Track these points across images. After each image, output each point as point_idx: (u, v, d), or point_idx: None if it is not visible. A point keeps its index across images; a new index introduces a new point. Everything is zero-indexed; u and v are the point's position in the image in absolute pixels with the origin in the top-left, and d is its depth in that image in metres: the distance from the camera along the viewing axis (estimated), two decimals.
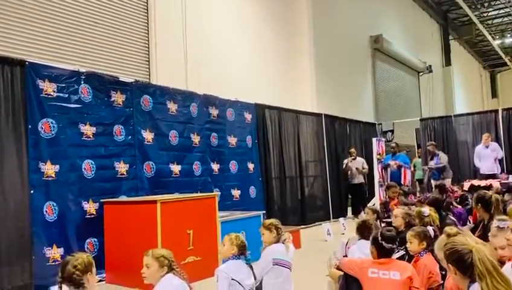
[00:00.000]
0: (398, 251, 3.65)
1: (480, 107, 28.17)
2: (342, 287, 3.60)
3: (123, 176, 6.31)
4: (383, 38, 16.88)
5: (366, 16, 16.53)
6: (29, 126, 5.29)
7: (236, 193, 8.16)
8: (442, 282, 3.40)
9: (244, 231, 5.22)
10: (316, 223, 10.03)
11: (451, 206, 6.32)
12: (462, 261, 2.33)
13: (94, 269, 2.81)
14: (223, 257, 3.64)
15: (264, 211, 7.57)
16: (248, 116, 8.70)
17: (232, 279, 3.42)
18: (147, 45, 8.56)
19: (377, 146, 10.49)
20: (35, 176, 5.27)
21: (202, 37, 9.41)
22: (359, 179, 11.06)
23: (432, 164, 10.35)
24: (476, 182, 9.38)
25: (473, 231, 4.72)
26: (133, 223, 5.35)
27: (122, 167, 6.30)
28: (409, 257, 3.86)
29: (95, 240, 5.78)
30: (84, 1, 7.54)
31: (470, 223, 5.99)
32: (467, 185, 9.30)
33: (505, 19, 24.41)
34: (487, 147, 10.23)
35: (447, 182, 9.65)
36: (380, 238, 3.33)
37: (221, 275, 3.42)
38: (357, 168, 10.98)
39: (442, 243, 3.38)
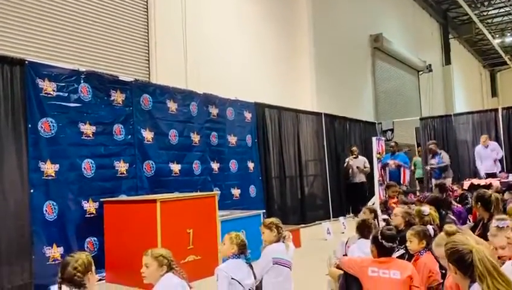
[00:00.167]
0: (398, 250, 3.65)
1: (480, 106, 28.15)
2: (342, 286, 3.61)
3: (123, 175, 6.31)
4: (382, 37, 16.87)
5: (366, 15, 16.52)
6: (29, 125, 5.29)
7: (236, 192, 8.16)
8: (442, 281, 3.40)
9: (244, 230, 5.21)
10: (316, 222, 10.03)
11: (451, 205, 6.32)
12: (462, 261, 2.34)
13: (94, 268, 2.81)
14: (223, 255, 3.65)
15: (264, 210, 7.57)
16: (248, 115, 8.70)
17: (232, 278, 3.42)
18: (146, 44, 8.55)
19: (377, 145, 10.48)
20: (35, 175, 5.27)
21: (202, 36, 9.40)
22: (360, 178, 11.05)
23: (434, 162, 10.34)
24: (475, 181, 9.38)
25: (472, 230, 4.72)
26: (132, 223, 5.35)
27: (122, 166, 6.29)
28: (409, 256, 3.86)
29: (95, 239, 5.78)
30: (84, 0, 7.53)
31: (469, 222, 5.99)
32: (466, 184, 9.30)
33: (505, 17, 24.40)
34: (487, 147, 10.23)
35: (448, 181, 9.64)
36: (380, 237, 3.34)
37: (221, 274, 3.42)
38: (357, 167, 10.98)
39: (440, 240, 3.38)
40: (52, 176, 5.44)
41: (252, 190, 8.52)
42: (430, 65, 21.84)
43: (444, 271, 3.42)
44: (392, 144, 10.75)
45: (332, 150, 11.46)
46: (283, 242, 3.96)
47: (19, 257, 5.02)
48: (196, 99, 7.60)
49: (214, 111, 7.93)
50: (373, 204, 9.93)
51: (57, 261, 5.20)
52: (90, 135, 5.95)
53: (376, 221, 5.47)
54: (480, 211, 4.91)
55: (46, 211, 5.33)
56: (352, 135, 12.57)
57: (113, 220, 5.60)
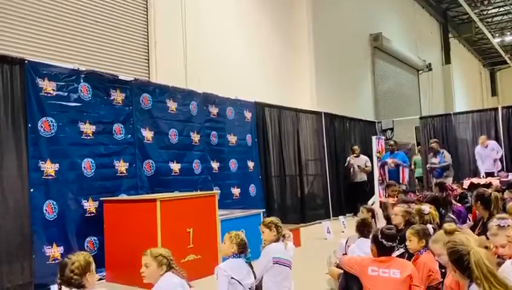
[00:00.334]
0: (398, 249, 3.66)
1: (479, 105, 28.15)
2: (342, 286, 3.61)
3: (123, 174, 6.31)
4: (382, 36, 16.87)
5: (365, 14, 16.51)
6: (29, 125, 5.29)
7: (236, 191, 8.16)
8: (442, 280, 3.41)
9: (244, 229, 5.20)
10: (316, 221, 10.03)
11: (451, 204, 6.32)
12: (461, 262, 2.36)
13: (93, 267, 2.81)
14: (223, 255, 3.66)
15: (264, 210, 7.57)
16: (248, 115, 8.70)
17: (232, 278, 3.42)
18: (146, 44, 8.54)
19: (377, 144, 10.48)
20: (35, 174, 5.27)
21: (202, 35, 9.39)
22: (361, 177, 11.04)
23: (435, 161, 10.32)
24: (475, 180, 9.39)
25: (472, 229, 4.73)
26: (132, 222, 5.35)
27: (122, 166, 6.30)
28: (409, 255, 3.86)
29: (95, 238, 5.79)
30: (84, 0, 7.52)
31: (469, 221, 5.99)
32: (466, 183, 9.30)
33: (505, 16, 24.39)
34: (486, 147, 10.23)
35: (449, 180, 9.63)
36: (380, 236, 3.34)
37: (221, 273, 3.43)
38: (358, 166, 10.97)
39: (437, 236, 3.40)
40: (52, 176, 5.44)
41: (252, 189, 8.53)
42: (429, 64, 21.84)
43: (443, 270, 3.43)
44: (391, 142, 10.73)
45: (332, 149, 11.46)
46: (282, 241, 3.97)
47: (19, 257, 5.02)
48: (196, 98, 7.60)
49: (213, 110, 7.93)
50: (373, 203, 9.94)
51: (57, 261, 5.20)
52: (90, 135, 5.95)
53: (374, 220, 5.48)
54: (480, 210, 4.92)
55: (46, 210, 5.33)
56: (352, 134, 12.57)
57: (113, 220, 5.60)
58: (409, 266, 3.28)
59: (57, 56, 6.88)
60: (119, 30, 8.07)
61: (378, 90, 17.25)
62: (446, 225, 3.63)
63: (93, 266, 2.81)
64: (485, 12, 23.59)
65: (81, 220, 5.69)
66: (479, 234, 4.39)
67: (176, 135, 7.15)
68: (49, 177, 5.41)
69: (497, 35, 26.12)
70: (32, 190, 5.22)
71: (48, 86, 5.52)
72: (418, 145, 13.07)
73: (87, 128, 5.91)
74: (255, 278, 3.61)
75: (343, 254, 4.48)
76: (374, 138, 10.57)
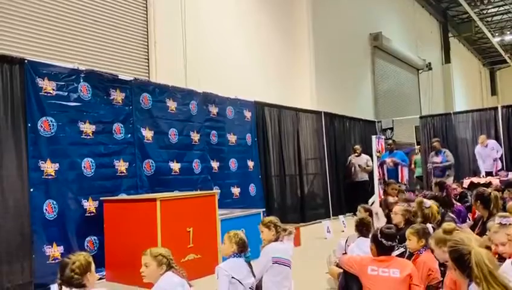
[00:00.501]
0: (398, 249, 3.66)
1: (479, 104, 28.16)
2: (342, 285, 3.62)
3: (123, 174, 6.31)
4: (382, 35, 16.86)
5: (365, 14, 16.51)
6: (29, 125, 5.29)
7: (236, 190, 8.17)
8: (441, 279, 3.41)
9: (244, 229, 5.20)
10: (316, 221, 10.03)
11: (452, 203, 6.33)
12: (461, 261, 2.36)
13: (93, 267, 2.82)
14: (224, 255, 3.66)
15: (264, 209, 7.57)
16: (248, 114, 8.70)
17: (233, 277, 3.43)
18: (146, 43, 8.54)
19: (377, 144, 10.47)
20: (35, 174, 5.27)
21: (201, 35, 9.39)
22: (362, 177, 11.03)
23: (438, 160, 10.30)
24: (475, 180, 9.39)
25: (472, 228, 4.74)
26: (132, 221, 5.35)
27: (121, 165, 6.30)
28: (409, 254, 3.87)
29: (95, 238, 5.79)
30: (83, 0, 7.54)
31: (469, 220, 6.00)
32: (466, 182, 9.31)
33: (505, 16, 24.39)
34: (486, 146, 10.23)
35: (450, 180, 9.62)
36: (379, 235, 3.34)
37: (222, 272, 3.43)
38: (359, 165, 10.96)
39: (437, 235, 3.41)
40: (52, 175, 5.44)
41: (252, 189, 8.53)
42: (429, 64, 21.84)
43: (443, 269, 3.44)
44: (389, 141, 10.71)
45: (332, 149, 11.46)
46: (281, 240, 3.96)
47: (19, 256, 5.02)
48: (196, 98, 7.60)
49: (213, 110, 7.93)
50: (373, 203, 9.93)
51: (57, 260, 5.20)
52: (90, 134, 5.95)
53: (372, 220, 5.48)
54: (480, 209, 4.92)
55: (46, 210, 5.33)
56: (352, 133, 12.57)
57: (113, 219, 5.61)
58: (409, 266, 3.28)
59: (56, 56, 6.88)
60: (119, 30, 8.07)
61: (378, 89, 17.25)
62: (445, 224, 3.64)
63: (93, 265, 2.82)
64: (484, 12, 23.59)
65: (81, 219, 5.69)
66: (478, 234, 4.39)
67: (176, 135, 7.15)
68: (49, 177, 5.41)
69: (496, 34, 26.11)
70: (32, 190, 5.22)
71: (48, 86, 5.52)
72: (417, 145, 13.07)
73: (87, 128, 5.91)
74: (254, 277, 3.61)
75: (343, 254, 4.48)
76: (373, 137, 10.55)
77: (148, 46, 8.55)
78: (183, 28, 8.98)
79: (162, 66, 8.52)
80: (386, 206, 7.50)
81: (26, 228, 5.12)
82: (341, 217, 9.49)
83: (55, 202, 5.42)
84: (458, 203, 6.91)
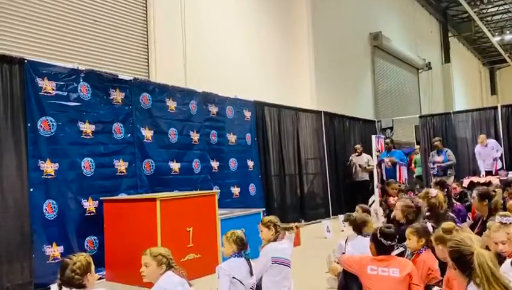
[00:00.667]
0: (397, 248, 3.66)
1: (479, 104, 28.16)
2: (342, 285, 3.62)
3: (122, 174, 6.31)
4: (382, 35, 16.86)
5: (365, 13, 16.50)
6: (29, 124, 5.29)
7: (236, 190, 8.17)
8: (441, 278, 3.42)
9: (244, 229, 5.20)
10: (316, 220, 10.03)
11: (452, 203, 6.33)
12: (462, 261, 2.37)
13: (93, 267, 2.84)
14: (226, 256, 3.66)
15: (264, 209, 7.57)
16: (247, 114, 8.70)
17: (233, 277, 3.43)
18: (145, 43, 8.54)
19: (376, 143, 10.47)
20: (34, 174, 5.27)
21: (201, 34, 9.39)
22: (363, 176, 11.02)
23: (439, 159, 10.28)
24: (475, 179, 9.39)
25: (471, 227, 4.73)
26: (132, 221, 5.35)
27: (121, 165, 6.30)
28: (410, 254, 3.87)
29: (95, 238, 5.79)
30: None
31: (469, 219, 6.00)
32: (466, 182, 9.31)
33: (504, 15, 24.37)
34: (486, 145, 10.22)
35: (451, 179, 9.61)
36: (379, 235, 3.34)
37: (222, 272, 3.44)
38: (360, 165, 10.95)
39: (437, 233, 3.42)
40: (52, 175, 5.44)
41: (252, 188, 8.53)
42: (429, 63, 21.83)
43: (442, 266, 3.45)
44: (387, 141, 10.69)
45: (331, 148, 11.46)
46: (281, 240, 3.96)
47: (18, 256, 5.02)
48: (195, 97, 7.60)
49: (213, 110, 7.93)
50: (373, 202, 9.94)
51: (57, 260, 5.21)
52: (90, 134, 5.95)
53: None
54: (483, 208, 4.86)
55: (46, 210, 5.33)
56: (352, 133, 12.57)
57: (113, 219, 5.61)
58: (409, 265, 3.28)
59: (56, 55, 6.88)
60: (118, 30, 8.06)
61: (378, 89, 17.25)
62: (445, 224, 3.65)
63: (93, 266, 2.85)
64: (484, 11, 23.57)
65: (81, 219, 5.69)
66: (478, 233, 4.39)
67: (176, 134, 7.15)
68: (49, 177, 5.41)
69: (496, 34, 26.09)
70: (31, 190, 5.22)
71: (48, 86, 5.52)
72: (417, 144, 13.07)
73: (87, 127, 5.91)
74: (254, 276, 3.62)
75: (342, 253, 4.48)
76: (373, 137, 10.56)
77: (147, 45, 8.55)
78: (183, 27, 8.98)
79: (162, 66, 8.52)
80: (387, 206, 7.50)
81: (26, 227, 5.12)
82: (341, 216, 9.46)
83: (55, 202, 5.42)
84: (458, 203, 6.91)
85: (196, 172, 7.42)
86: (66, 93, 5.72)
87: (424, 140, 12.25)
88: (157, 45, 8.55)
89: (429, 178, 10.88)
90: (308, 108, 11.20)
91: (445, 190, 6.80)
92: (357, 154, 11.08)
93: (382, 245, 3.31)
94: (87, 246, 5.70)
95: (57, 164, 5.49)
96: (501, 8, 23.16)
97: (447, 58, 25.30)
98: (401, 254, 3.80)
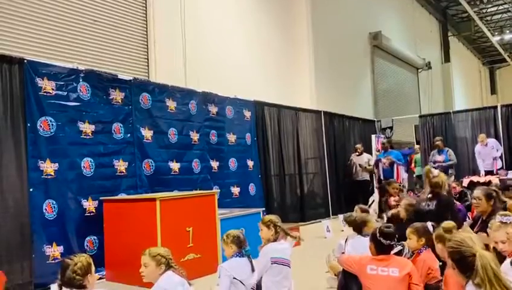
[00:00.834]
0: (396, 247, 3.66)
1: (479, 103, 28.16)
2: (341, 284, 3.62)
3: (122, 173, 6.31)
4: (382, 35, 16.86)
5: (365, 13, 16.50)
6: (28, 124, 5.29)
7: (235, 190, 8.17)
8: (441, 278, 3.42)
9: (244, 228, 5.21)
10: (316, 220, 10.04)
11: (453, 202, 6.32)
12: (463, 262, 2.37)
13: (93, 269, 2.85)
14: (228, 256, 3.67)
15: (264, 209, 7.57)
16: (247, 114, 8.70)
17: (234, 278, 3.44)
18: (145, 43, 8.55)
19: (376, 143, 10.48)
20: (34, 174, 5.27)
21: (201, 34, 9.39)
22: (363, 176, 11.01)
23: (440, 159, 10.27)
24: (475, 179, 9.39)
25: (471, 226, 4.73)
26: (132, 221, 5.35)
27: (121, 165, 6.30)
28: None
29: (95, 238, 5.79)
30: None
31: (469, 219, 6.00)
32: (466, 181, 9.30)
33: (504, 15, 24.36)
34: (486, 145, 10.23)
35: (452, 179, 9.61)
36: (378, 234, 3.34)
37: (224, 272, 3.45)
38: (360, 165, 10.96)
39: (438, 232, 3.43)
40: (52, 175, 5.44)
41: (252, 188, 8.53)
42: (429, 63, 21.84)
43: (442, 263, 3.46)
44: (383, 140, 10.66)
45: (331, 148, 11.46)
46: (280, 240, 3.96)
47: (18, 256, 5.03)
48: (195, 97, 7.60)
49: (213, 109, 7.93)
50: (372, 202, 9.94)
51: (57, 260, 5.21)
52: (90, 134, 5.95)
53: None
54: (487, 207, 4.81)
55: (46, 210, 5.34)
56: (352, 132, 12.57)
57: (113, 219, 5.61)
58: (408, 265, 3.28)
59: (56, 55, 6.88)
60: (118, 29, 8.07)
61: (378, 88, 17.25)
62: (445, 223, 3.65)
63: (93, 267, 2.86)
64: (484, 11, 23.57)
65: (80, 219, 5.69)
66: (477, 232, 4.40)
67: (175, 134, 7.15)
68: (49, 177, 5.41)
69: (496, 33, 26.09)
70: (31, 190, 5.22)
71: (47, 86, 5.52)
72: (417, 144, 13.07)
73: (87, 127, 5.91)
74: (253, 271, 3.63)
75: (342, 253, 4.48)
76: (373, 136, 10.57)
77: (147, 45, 8.55)
78: (183, 27, 8.98)
79: (162, 66, 8.52)
80: (388, 206, 7.51)
81: (26, 227, 5.12)
82: (341, 216, 9.46)
83: (54, 202, 5.42)
84: (458, 202, 6.90)
85: (196, 172, 7.42)
86: (65, 93, 5.72)
87: (423, 140, 12.25)
88: (157, 45, 8.55)
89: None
90: (307, 108, 11.20)
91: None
92: (357, 153, 11.08)
93: (381, 245, 3.31)
94: (87, 246, 5.70)
95: (56, 164, 5.49)
96: (501, 7, 23.16)
97: (446, 58, 25.30)
98: (399, 253, 3.80)
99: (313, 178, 10.88)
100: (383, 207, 7.94)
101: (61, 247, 5.39)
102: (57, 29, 7.10)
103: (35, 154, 5.30)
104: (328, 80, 13.24)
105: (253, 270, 3.61)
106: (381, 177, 9.69)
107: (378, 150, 10.50)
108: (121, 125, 6.36)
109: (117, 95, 6.36)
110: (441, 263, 3.57)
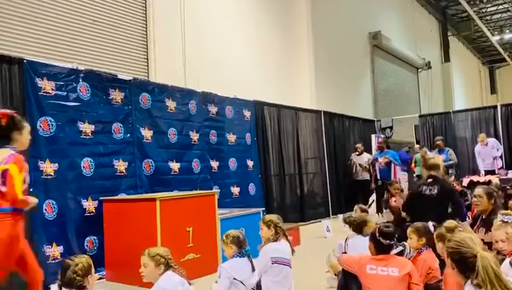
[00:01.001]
0: (396, 247, 3.66)
1: (479, 103, 28.16)
2: (341, 284, 3.61)
3: (122, 174, 6.30)
4: (381, 34, 16.87)
5: (364, 13, 16.51)
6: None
7: (235, 190, 8.17)
8: (441, 278, 3.42)
9: (244, 228, 5.22)
10: (316, 220, 10.03)
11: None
12: (463, 263, 2.37)
13: (93, 270, 2.86)
14: (228, 257, 3.67)
15: (264, 208, 7.57)
16: (247, 114, 8.70)
17: (234, 278, 3.44)
18: (145, 43, 8.54)
19: (376, 143, 10.47)
20: (34, 174, 5.25)
21: (200, 34, 9.39)
22: (363, 176, 11.00)
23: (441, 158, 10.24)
24: (475, 178, 9.39)
25: (471, 226, 4.73)
26: (132, 221, 5.35)
27: (121, 165, 6.29)
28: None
29: (95, 238, 5.78)
30: None
31: (469, 219, 5.99)
32: (466, 181, 9.30)
33: (504, 14, 24.36)
34: (486, 145, 10.23)
35: (452, 179, 9.60)
36: (377, 234, 3.33)
37: (224, 273, 3.45)
38: (360, 165, 10.96)
39: (440, 231, 3.43)
40: (52, 175, 5.44)
41: (252, 188, 8.53)
42: (429, 62, 21.84)
43: (441, 262, 3.46)
44: (379, 140, 10.65)
45: (331, 148, 11.47)
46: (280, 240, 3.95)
47: None
48: (195, 97, 7.60)
49: (213, 109, 7.93)
50: (372, 202, 9.94)
51: (56, 260, 5.21)
52: (89, 134, 5.94)
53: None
54: (489, 206, 4.81)
55: (46, 210, 5.33)
56: (352, 132, 12.57)
57: (113, 219, 5.60)
58: (408, 265, 3.27)
59: (55, 55, 6.88)
60: (118, 29, 8.07)
61: (378, 88, 17.25)
62: (447, 223, 3.66)
63: (93, 268, 2.87)
64: (484, 10, 23.57)
65: (80, 219, 5.68)
66: (477, 231, 4.40)
67: (175, 134, 7.15)
68: (49, 177, 5.41)
69: (496, 33, 26.08)
70: (31, 190, 5.19)
71: (47, 86, 5.52)
72: (417, 144, 13.08)
73: (86, 127, 5.91)
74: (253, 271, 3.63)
75: (342, 253, 4.48)
76: (373, 136, 10.58)
77: (147, 45, 8.55)
78: (183, 27, 8.98)
79: (161, 66, 8.52)
80: (389, 207, 7.51)
81: (26, 227, 5.10)
82: (341, 216, 9.47)
83: (54, 202, 5.42)
84: None
85: (196, 172, 7.42)
86: (65, 93, 5.71)
87: (423, 139, 12.26)
88: (156, 45, 8.55)
89: None
90: (307, 108, 11.20)
91: None
92: (357, 153, 11.08)
93: (381, 244, 3.30)
94: (87, 246, 5.70)
95: (56, 164, 5.48)
96: (500, 7, 23.16)
97: (446, 58, 25.31)
98: (401, 253, 3.80)
99: (313, 178, 10.88)
100: (384, 207, 7.94)
101: (61, 247, 5.39)
102: (56, 29, 7.10)
103: (35, 155, 5.29)
104: (328, 80, 13.25)
105: (253, 270, 3.62)
106: (378, 177, 9.68)
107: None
108: (121, 125, 6.36)
109: (117, 95, 6.36)
110: (442, 264, 3.57)
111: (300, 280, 4.40)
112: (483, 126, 11.52)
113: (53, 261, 5.23)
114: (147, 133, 6.70)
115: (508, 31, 26.03)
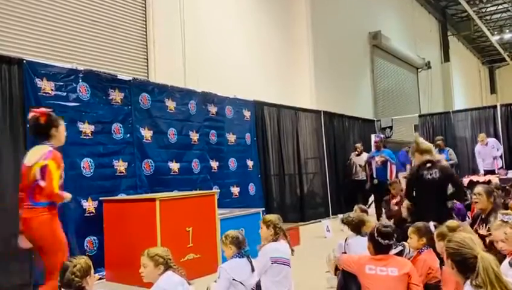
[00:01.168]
0: (395, 247, 3.66)
1: (479, 103, 28.18)
2: (341, 284, 3.61)
3: (122, 174, 6.30)
4: (381, 34, 16.87)
5: (364, 13, 16.51)
6: (28, 125, 5.28)
7: (235, 190, 8.16)
8: (441, 278, 3.42)
9: (244, 228, 5.22)
10: (316, 220, 10.03)
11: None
12: (463, 264, 2.37)
13: (93, 271, 2.86)
14: (228, 257, 3.67)
15: (264, 208, 7.57)
16: (247, 114, 8.69)
17: (234, 279, 3.44)
18: (145, 43, 8.54)
19: (374, 142, 10.45)
20: None
21: (200, 34, 9.39)
22: (363, 176, 10.99)
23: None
24: (475, 178, 9.39)
25: (471, 225, 4.73)
26: (132, 221, 5.35)
27: (121, 165, 6.29)
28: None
29: (95, 238, 5.78)
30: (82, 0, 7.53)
31: (468, 218, 5.99)
32: (466, 180, 9.30)
33: (504, 14, 24.37)
34: (486, 144, 10.23)
35: None
36: (376, 234, 3.33)
37: (223, 274, 3.45)
38: (359, 165, 10.96)
39: (441, 230, 3.43)
40: None
41: (251, 188, 8.53)
42: (428, 62, 21.85)
43: (441, 261, 3.46)
44: (376, 139, 10.64)
45: (331, 148, 11.47)
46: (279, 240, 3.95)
47: (18, 256, 5.01)
48: (195, 97, 7.60)
49: (212, 109, 7.93)
50: (372, 202, 9.93)
51: None
52: (89, 134, 5.94)
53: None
54: (489, 205, 4.81)
55: None
56: (351, 132, 12.57)
57: (113, 219, 5.60)
58: (407, 265, 3.27)
59: (55, 56, 6.88)
60: (117, 30, 8.07)
61: (377, 88, 17.25)
62: (449, 222, 3.66)
63: (92, 269, 2.87)
64: (483, 10, 23.58)
65: (80, 219, 5.68)
66: (476, 231, 4.40)
67: (175, 134, 7.15)
68: None
69: (496, 33, 26.09)
70: None
71: (47, 86, 5.51)
72: None
73: (86, 128, 5.90)
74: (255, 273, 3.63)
75: (342, 253, 4.48)
76: (373, 136, 10.57)
77: (147, 45, 8.55)
78: (182, 27, 8.98)
79: (161, 66, 8.52)
80: (388, 207, 7.50)
81: None
82: (340, 216, 9.46)
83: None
84: (457, 202, 6.89)
85: (196, 172, 7.42)
86: (65, 94, 5.71)
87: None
88: (156, 45, 8.55)
89: None
90: (307, 107, 11.20)
91: None
92: (357, 153, 11.07)
93: (380, 244, 3.30)
94: (87, 246, 5.70)
95: None
96: (500, 7, 23.17)
97: (446, 58, 25.32)
98: (400, 253, 3.80)
99: (313, 178, 10.89)
100: (384, 207, 7.92)
101: None
102: (56, 29, 7.10)
103: None
104: (327, 80, 13.25)
105: (253, 270, 3.62)
106: (374, 176, 9.67)
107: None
108: (121, 126, 6.36)
109: (116, 95, 6.36)
110: (442, 264, 3.57)
111: (300, 280, 4.40)
112: (483, 126, 11.53)
113: None
114: (146, 133, 6.70)
115: (507, 30, 26.03)
